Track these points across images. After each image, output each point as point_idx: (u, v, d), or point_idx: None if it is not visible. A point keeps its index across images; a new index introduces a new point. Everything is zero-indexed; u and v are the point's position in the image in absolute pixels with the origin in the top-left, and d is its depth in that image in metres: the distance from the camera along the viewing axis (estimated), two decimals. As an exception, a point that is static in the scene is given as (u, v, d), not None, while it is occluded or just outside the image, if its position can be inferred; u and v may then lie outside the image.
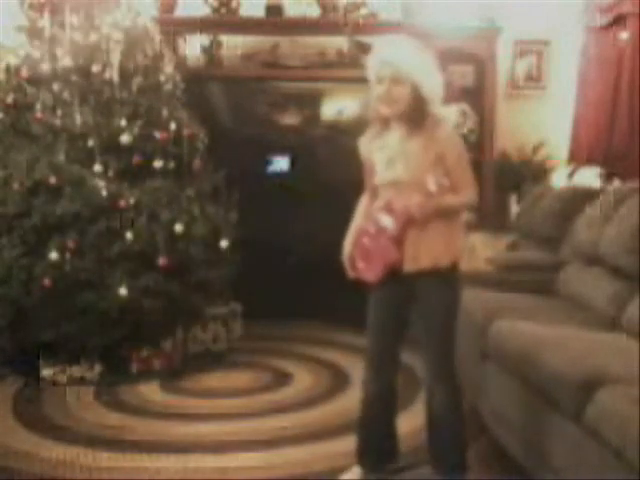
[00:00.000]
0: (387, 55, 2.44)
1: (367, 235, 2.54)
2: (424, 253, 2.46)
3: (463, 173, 2.48)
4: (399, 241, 2.45)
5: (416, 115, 2.45)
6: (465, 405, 2.78)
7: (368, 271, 2.54)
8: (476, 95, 5.16)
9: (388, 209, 2.47)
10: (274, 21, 5.03)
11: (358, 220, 2.69)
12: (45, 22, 4.07)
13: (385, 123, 2.53)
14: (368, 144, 2.60)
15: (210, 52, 5.05)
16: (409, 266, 2.48)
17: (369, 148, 2.59)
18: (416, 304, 2.55)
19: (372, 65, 2.47)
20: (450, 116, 2.62)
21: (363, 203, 2.71)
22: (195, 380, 3.96)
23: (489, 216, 5.02)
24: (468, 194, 2.48)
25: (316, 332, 4.82)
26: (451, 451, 2.60)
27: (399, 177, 2.48)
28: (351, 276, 2.64)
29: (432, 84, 2.46)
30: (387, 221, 2.46)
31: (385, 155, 2.52)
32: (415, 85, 2.41)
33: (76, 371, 3.82)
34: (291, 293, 4.81)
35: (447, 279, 2.50)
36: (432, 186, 2.37)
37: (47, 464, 2.89)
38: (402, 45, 2.46)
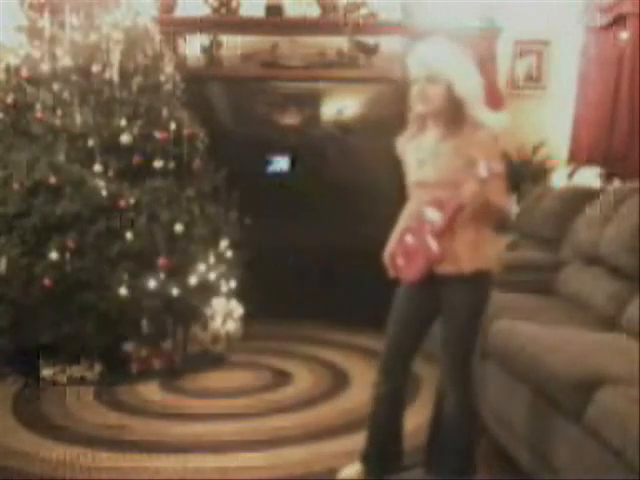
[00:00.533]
0: (422, 55, 2.46)
1: (410, 232, 2.51)
2: (450, 257, 2.43)
3: (496, 183, 2.41)
4: (442, 235, 2.41)
5: (452, 115, 2.45)
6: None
7: (408, 269, 2.51)
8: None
9: (437, 204, 2.43)
10: (274, 21, 5.03)
11: (402, 222, 2.67)
12: (45, 22, 4.07)
13: (422, 123, 2.53)
14: (405, 144, 2.60)
15: (210, 52, 5.05)
16: (438, 268, 2.45)
17: (404, 148, 2.59)
18: (440, 312, 2.52)
19: (410, 65, 2.49)
20: (496, 122, 2.55)
21: (407, 207, 2.69)
22: (195, 380, 3.96)
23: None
24: (505, 202, 2.47)
25: (316, 332, 4.82)
26: (458, 454, 2.57)
27: (427, 178, 2.48)
28: (392, 275, 2.62)
29: (468, 84, 2.45)
30: (434, 215, 2.42)
31: (418, 156, 2.52)
32: (450, 84, 2.42)
33: (76, 371, 3.82)
34: (291, 293, 4.81)
35: (472, 285, 2.45)
36: (483, 171, 2.29)
37: (47, 464, 2.89)
38: (438, 45, 2.47)
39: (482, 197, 2.34)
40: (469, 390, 2.54)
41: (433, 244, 2.42)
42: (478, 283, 2.47)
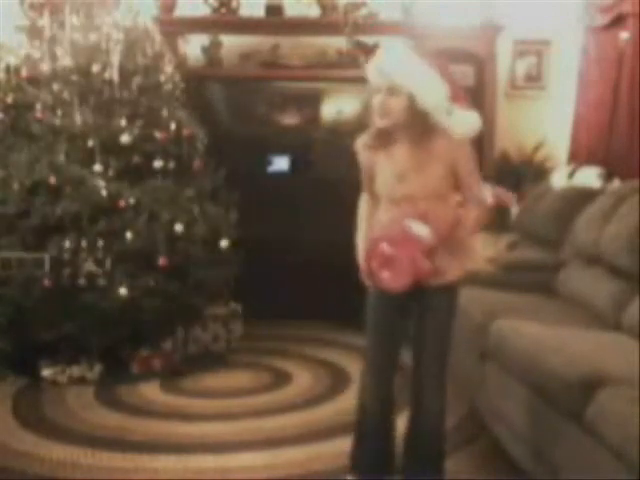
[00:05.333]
0: (383, 65, 2.39)
1: (387, 241, 2.38)
2: (448, 264, 2.42)
3: (473, 184, 2.45)
4: (433, 252, 2.36)
5: (419, 127, 2.39)
6: (464, 405, 2.77)
7: (394, 281, 2.38)
8: (476, 95, 5.16)
9: (422, 217, 2.36)
10: (274, 21, 5.03)
11: (365, 226, 2.61)
12: (45, 22, 4.07)
13: (388, 137, 2.46)
14: (371, 154, 2.52)
15: (210, 52, 5.05)
16: (433, 276, 2.41)
17: (372, 159, 2.52)
18: (416, 309, 2.51)
19: (372, 74, 2.42)
20: (468, 125, 2.50)
21: (366, 209, 2.64)
22: (195, 380, 3.96)
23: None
24: (485, 198, 2.46)
25: (316, 332, 4.82)
26: (439, 455, 2.58)
27: (414, 191, 2.42)
28: (368, 284, 2.54)
29: (431, 94, 2.38)
30: (422, 230, 2.34)
31: (395, 169, 2.45)
32: (411, 96, 2.36)
33: (76, 371, 3.82)
34: (291, 293, 4.81)
35: (450, 290, 2.50)
36: (489, 198, 2.30)
37: (47, 464, 2.89)
38: (398, 55, 2.42)
39: (483, 219, 2.37)
40: (445, 390, 2.56)
41: (425, 262, 2.34)
42: (455, 288, 2.52)
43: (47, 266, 2.48)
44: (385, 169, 2.49)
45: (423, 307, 2.51)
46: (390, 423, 2.65)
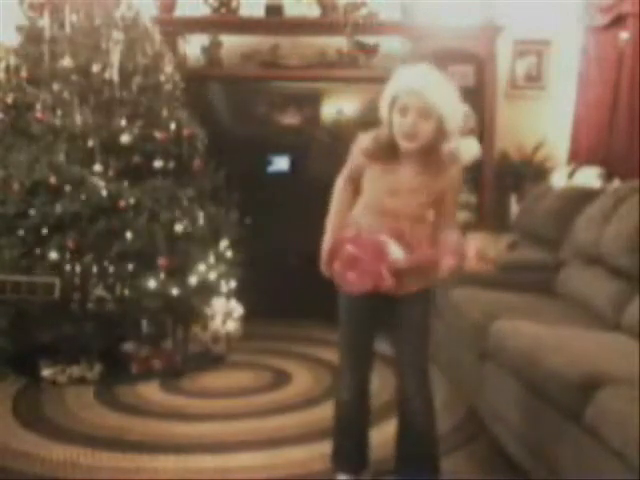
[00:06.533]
0: (417, 85, 2.30)
1: (354, 243, 2.42)
2: (413, 280, 2.43)
3: (454, 214, 2.49)
4: (400, 272, 2.37)
5: (431, 150, 2.36)
6: (464, 405, 2.75)
7: (356, 284, 2.42)
8: (476, 95, 5.16)
9: (399, 237, 2.37)
10: (274, 21, 5.03)
11: (340, 213, 2.60)
12: (45, 22, 4.07)
13: (394, 149, 2.40)
14: (367, 161, 2.46)
15: (210, 52, 5.05)
16: (394, 290, 2.42)
17: (366, 165, 2.46)
18: (390, 315, 2.51)
19: (396, 92, 2.33)
20: (468, 152, 2.49)
21: (345, 196, 2.60)
22: (195, 380, 3.96)
23: (489, 216, 5.02)
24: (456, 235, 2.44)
25: (316, 332, 4.82)
26: (429, 457, 2.57)
27: (400, 209, 2.40)
28: (325, 273, 2.56)
29: (456, 119, 2.35)
30: (397, 252, 2.36)
31: (392, 185, 2.41)
32: (441, 120, 2.31)
33: (76, 371, 3.82)
34: (291, 293, 4.81)
35: (421, 296, 2.50)
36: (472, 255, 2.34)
37: (47, 464, 2.89)
38: (431, 75, 2.34)
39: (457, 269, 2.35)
40: (431, 393, 2.55)
41: (388, 277, 2.36)
42: (426, 293, 2.51)
43: (57, 292, 2.49)
44: (378, 181, 2.45)
45: (399, 318, 2.50)
46: (366, 416, 2.65)
